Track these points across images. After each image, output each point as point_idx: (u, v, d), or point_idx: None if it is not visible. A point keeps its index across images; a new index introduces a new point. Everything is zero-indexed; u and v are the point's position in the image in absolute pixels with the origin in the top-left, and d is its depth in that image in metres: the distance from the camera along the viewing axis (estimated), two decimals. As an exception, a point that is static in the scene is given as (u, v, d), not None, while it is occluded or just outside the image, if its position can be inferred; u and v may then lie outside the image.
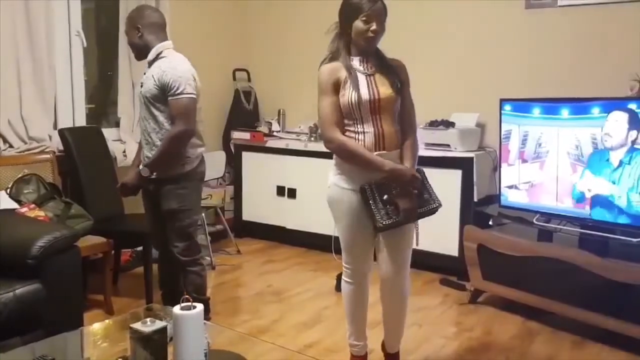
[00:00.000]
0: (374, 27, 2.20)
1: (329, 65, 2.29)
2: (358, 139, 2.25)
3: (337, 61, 2.28)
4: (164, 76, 2.67)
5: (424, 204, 2.31)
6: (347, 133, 2.27)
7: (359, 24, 2.21)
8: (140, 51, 2.80)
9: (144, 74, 2.80)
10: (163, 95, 2.69)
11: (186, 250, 2.83)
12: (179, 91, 2.66)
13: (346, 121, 2.27)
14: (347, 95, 2.23)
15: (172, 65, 2.71)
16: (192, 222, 2.87)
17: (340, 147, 2.26)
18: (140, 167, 2.77)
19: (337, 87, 2.25)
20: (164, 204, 2.79)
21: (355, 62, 2.28)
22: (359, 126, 2.25)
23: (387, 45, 2.38)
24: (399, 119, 2.32)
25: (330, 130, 2.25)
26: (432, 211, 2.33)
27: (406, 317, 2.52)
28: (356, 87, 2.22)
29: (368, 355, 2.57)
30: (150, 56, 2.77)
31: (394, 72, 2.30)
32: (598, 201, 2.95)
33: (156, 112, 2.73)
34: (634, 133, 2.79)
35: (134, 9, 2.90)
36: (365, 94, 2.22)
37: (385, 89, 2.25)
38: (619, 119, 2.83)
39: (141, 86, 2.80)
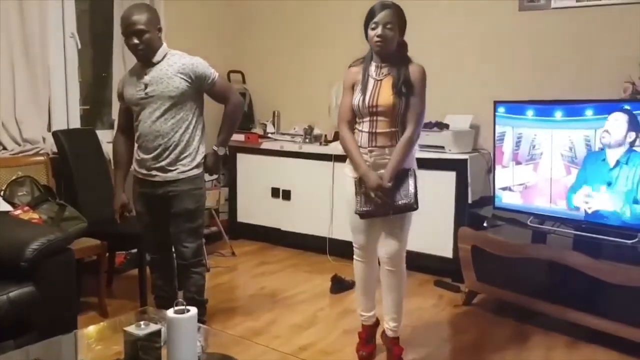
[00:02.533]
0: (378, 32, 2.38)
1: (352, 68, 2.58)
2: (358, 134, 2.55)
3: (361, 65, 2.54)
4: (196, 68, 2.71)
5: (399, 199, 2.47)
6: (355, 128, 2.57)
7: (369, 31, 2.43)
8: (153, 52, 2.67)
9: (145, 75, 2.68)
10: (197, 88, 2.72)
11: (196, 250, 2.85)
12: (214, 75, 2.77)
13: (356, 118, 2.56)
14: (355, 97, 2.52)
15: (192, 57, 2.76)
16: (204, 222, 2.95)
17: (341, 141, 2.61)
18: (215, 147, 2.82)
19: (353, 88, 2.55)
20: (179, 205, 2.75)
21: (372, 67, 2.51)
22: (360, 124, 2.54)
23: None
24: (401, 118, 2.48)
25: (340, 125, 2.60)
26: (408, 207, 2.48)
27: (403, 303, 2.68)
28: (363, 91, 2.48)
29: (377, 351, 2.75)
30: (159, 56, 2.69)
31: (405, 77, 2.44)
32: (597, 213, 2.96)
33: (182, 111, 2.70)
34: (632, 134, 2.80)
35: (142, 9, 2.67)
36: (366, 99, 2.46)
37: (385, 96, 2.44)
38: (619, 118, 2.86)
39: (145, 88, 2.68)
